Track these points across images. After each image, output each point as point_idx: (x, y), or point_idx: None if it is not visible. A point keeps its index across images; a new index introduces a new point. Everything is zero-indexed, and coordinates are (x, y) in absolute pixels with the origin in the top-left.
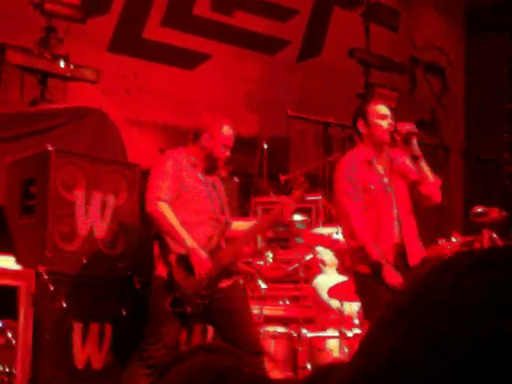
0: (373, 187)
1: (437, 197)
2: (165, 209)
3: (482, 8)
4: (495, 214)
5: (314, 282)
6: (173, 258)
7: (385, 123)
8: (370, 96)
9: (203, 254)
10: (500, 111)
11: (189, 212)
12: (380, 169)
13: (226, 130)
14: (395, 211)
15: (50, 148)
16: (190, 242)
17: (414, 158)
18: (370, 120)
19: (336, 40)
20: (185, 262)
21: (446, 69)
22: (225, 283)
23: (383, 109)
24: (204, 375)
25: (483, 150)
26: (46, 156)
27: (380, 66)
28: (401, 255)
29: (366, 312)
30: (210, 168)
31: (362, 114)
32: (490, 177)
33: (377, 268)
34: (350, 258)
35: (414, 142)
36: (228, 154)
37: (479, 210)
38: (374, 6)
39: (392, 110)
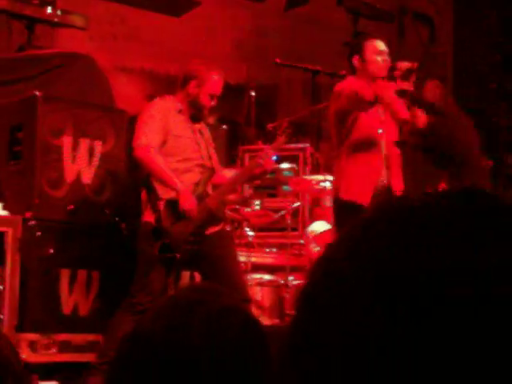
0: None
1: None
2: (153, 153)
3: None
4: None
5: (309, 229)
6: (161, 204)
7: (381, 59)
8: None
9: (192, 197)
10: (489, 62)
11: (176, 158)
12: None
13: (216, 79)
14: (384, 148)
15: (37, 93)
16: (179, 184)
17: (406, 93)
18: (367, 55)
19: None
20: (173, 207)
21: (435, 18)
22: (212, 230)
23: (380, 45)
24: (171, 307)
25: (471, 100)
26: (33, 101)
27: (368, 14)
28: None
29: None
30: (196, 115)
31: (358, 48)
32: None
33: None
34: (333, 186)
35: (412, 78)
36: (214, 102)
37: None
38: None
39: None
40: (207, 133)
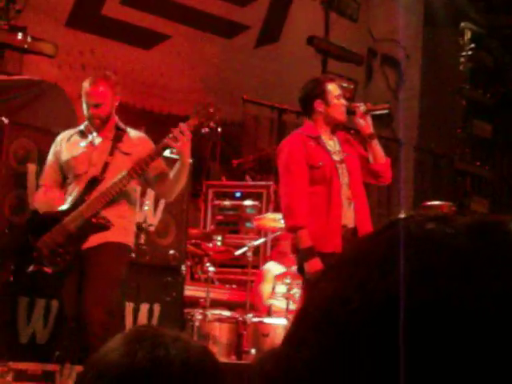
0: (321, 163)
1: (388, 176)
2: (38, 191)
3: (439, 3)
4: (445, 208)
5: (265, 267)
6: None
7: (342, 102)
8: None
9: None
10: (455, 107)
11: (69, 179)
12: (329, 146)
13: (87, 87)
14: (346, 189)
15: (3, 119)
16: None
17: (369, 137)
18: (330, 99)
19: (295, 27)
20: (36, 221)
21: (403, 62)
22: (91, 243)
23: (338, 87)
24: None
25: (436, 145)
26: (0, 128)
27: (338, 55)
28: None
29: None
30: (94, 127)
31: (319, 93)
32: (441, 172)
33: (304, 256)
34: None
35: (369, 120)
36: (98, 111)
37: (429, 203)
38: None
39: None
40: (107, 142)
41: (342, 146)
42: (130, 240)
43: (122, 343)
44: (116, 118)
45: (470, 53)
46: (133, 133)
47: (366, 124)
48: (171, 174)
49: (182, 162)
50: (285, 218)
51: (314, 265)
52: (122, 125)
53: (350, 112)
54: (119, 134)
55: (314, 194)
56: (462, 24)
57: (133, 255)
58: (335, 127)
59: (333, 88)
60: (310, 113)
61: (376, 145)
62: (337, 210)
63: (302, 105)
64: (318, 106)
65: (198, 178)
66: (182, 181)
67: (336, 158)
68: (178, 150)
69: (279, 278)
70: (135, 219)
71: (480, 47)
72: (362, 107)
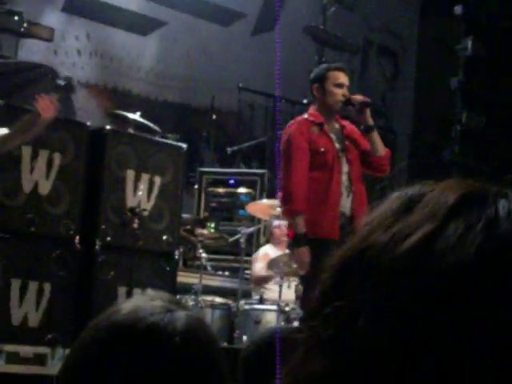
0: (323, 150)
1: (387, 168)
2: None
3: None
4: None
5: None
6: None
7: (340, 92)
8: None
9: None
10: (450, 99)
11: None
12: (332, 133)
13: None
14: (346, 178)
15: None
16: None
17: (367, 129)
18: (326, 86)
19: (292, 16)
20: None
21: (399, 53)
22: None
23: (342, 77)
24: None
25: (431, 136)
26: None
27: (334, 44)
28: (349, 229)
29: (301, 276)
30: None
31: (319, 78)
32: (435, 163)
33: (297, 242)
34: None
35: (368, 112)
36: None
37: None
38: None
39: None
40: None
41: (344, 135)
42: None
43: (129, 306)
44: None
45: (466, 44)
46: None
47: (364, 116)
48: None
49: None
50: (282, 201)
51: (302, 254)
52: None
53: (349, 103)
54: None
55: (315, 179)
56: (459, 14)
57: None
58: (334, 113)
59: (334, 76)
60: (313, 98)
61: (376, 137)
62: (335, 197)
63: (310, 90)
64: (316, 90)
65: (192, 165)
66: None
67: (338, 146)
68: None
69: (273, 262)
70: None
71: (477, 39)
72: (358, 98)
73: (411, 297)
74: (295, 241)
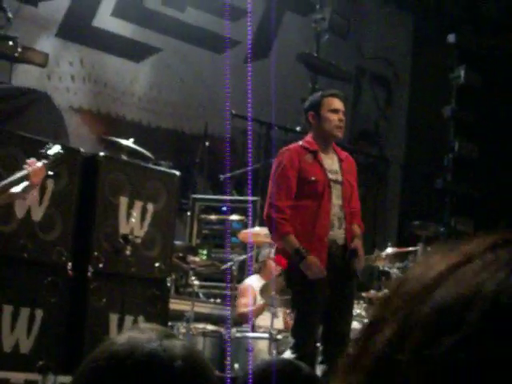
0: (313, 179)
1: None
2: None
3: (429, 24)
4: (433, 228)
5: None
6: None
7: (336, 117)
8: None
9: None
10: (442, 127)
11: None
12: (326, 163)
13: None
14: (338, 210)
15: None
16: None
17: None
18: (322, 113)
19: (285, 44)
20: None
21: (392, 81)
22: None
23: (337, 102)
24: None
25: (423, 164)
26: None
27: (327, 72)
28: (341, 256)
29: (293, 304)
30: None
31: (314, 105)
32: (427, 191)
33: (298, 257)
34: (275, 250)
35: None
36: None
37: (417, 223)
38: (326, 13)
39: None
40: None
41: (341, 167)
42: None
43: (124, 337)
44: None
45: (458, 73)
46: None
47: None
48: None
49: None
50: (269, 228)
51: (312, 263)
52: None
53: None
54: None
55: (303, 207)
56: (452, 43)
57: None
58: (330, 141)
59: (329, 102)
60: (308, 126)
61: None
62: (324, 227)
63: (305, 118)
64: (311, 118)
65: (185, 192)
66: None
67: (332, 176)
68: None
69: (262, 292)
70: None
71: (470, 67)
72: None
73: None
74: (296, 257)
